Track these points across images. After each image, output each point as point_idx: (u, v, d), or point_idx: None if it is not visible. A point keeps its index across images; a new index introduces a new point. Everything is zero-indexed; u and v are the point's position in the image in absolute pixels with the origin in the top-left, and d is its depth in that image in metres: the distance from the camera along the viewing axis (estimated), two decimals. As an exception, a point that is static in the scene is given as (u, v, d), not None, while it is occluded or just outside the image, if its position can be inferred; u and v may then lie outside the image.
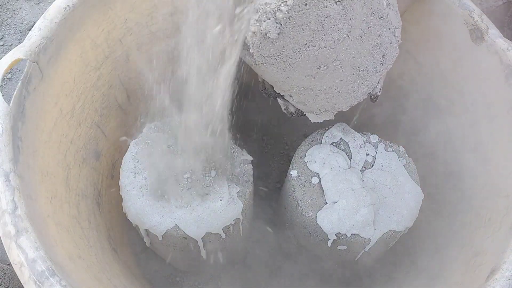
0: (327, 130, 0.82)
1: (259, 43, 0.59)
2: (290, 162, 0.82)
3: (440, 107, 0.86)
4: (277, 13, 0.55)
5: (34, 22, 1.17)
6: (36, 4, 1.50)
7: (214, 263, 0.87)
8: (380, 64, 0.65)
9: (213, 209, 0.72)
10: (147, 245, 0.80)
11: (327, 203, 0.75)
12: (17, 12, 1.47)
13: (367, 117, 0.98)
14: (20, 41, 1.41)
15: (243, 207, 0.74)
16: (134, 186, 0.74)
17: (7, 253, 0.53)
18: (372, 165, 0.79)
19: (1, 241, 0.53)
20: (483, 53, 0.73)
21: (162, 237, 0.73)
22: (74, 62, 0.74)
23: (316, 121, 0.73)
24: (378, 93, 0.69)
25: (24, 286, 0.51)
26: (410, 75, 0.89)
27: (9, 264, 0.95)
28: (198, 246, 0.75)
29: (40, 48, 0.65)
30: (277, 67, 0.61)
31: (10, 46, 1.41)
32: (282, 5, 0.55)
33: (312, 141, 0.82)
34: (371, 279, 0.93)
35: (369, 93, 0.69)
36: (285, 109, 0.72)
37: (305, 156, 0.79)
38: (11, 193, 0.54)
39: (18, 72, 1.37)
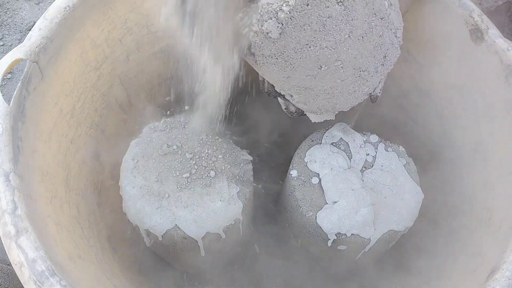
0: (327, 130, 0.82)
1: (260, 42, 0.59)
2: (290, 162, 0.82)
3: (440, 107, 0.86)
4: (278, 13, 0.55)
5: (34, 22, 1.17)
6: (36, 4, 1.50)
7: (214, 263, 0.87)
8: (381, 64, 0.65)
9: (213, 209, 0.72)
10: (147, 245, 0.80)
11: (327, 203, 0.75)
12: (17, 12, 1.47)
13: (367, 117, 0.98)
14: (20, 41, 1.41)
15: (243, 207, 0.74)
16: (134, 186, 0.74)
17: (7, 253, 0.53)
18: (372, 165, 0.79)
19: (1, 241, 0.53)
20: (483, 53, 0.73)
21: (162, 237, 0.73)
22: (74, 62, 0.74)
23: (316, 121, 0.73)
24: (378, 94, 0.69)
25: (24, 286, 0.51)
26: (410, 75, 0.89)
27: (9, 264, 0.95)
28: (198, 246, 0.75)
29: (40, 48, 0.65)
30: (278, 67, 0.61)
31: (10, 46, 1.41)
32: (284, 5, 0.55)
33: (312, 141, 0.82)
34: (371, 279, 0.93)
35: (369, 94, 0.69)
36: (285, 109, 0.72)
37: (305, 156, 0.79)
38: (11, 193, 0.54)
39: (18, 72, 1.37)
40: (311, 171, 0.78)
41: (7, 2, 1.48)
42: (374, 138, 0.82)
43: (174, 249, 0.77)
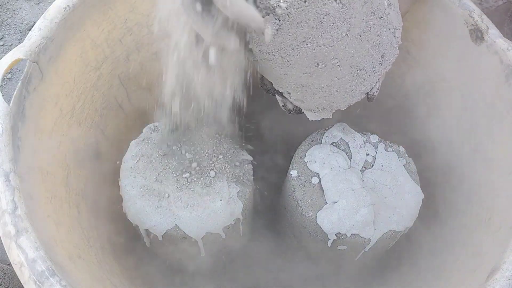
0: (327, 130, 0.82)
1: (257, 38, 0.59)
2: (290, 162, 0.82)
3: (440, 107, 0.86)
4: (276, 9, 0.55)
5: (34, 22, 1.17)
6: (36, 4, 1.50)
7: (214, 263, 0.87)
8: (379, 64, 0.65)
9: (213, 209, 0.72)
10: (147, 245, 0.80)
11: (327, 203, 0.75)
12: (17, 12, 1.47)
13: (367, 117, 0.98)
14: (20, 41, 1.41)
15: (243, 207, 0.74)
16: (134, 186, 0.74)
17: (7, 253, 0.53)
18: (372, 165, 0.79)
19: (1, 241, 0.53)
20: (483, 53, 0.72)
21: (162, 237, 0.73)
22: (74, 62, 0.74)
23: (314, 119, 0.72)
24: (375, 93, 0.69)
25: (24, 286, 0.51)
26: (410, 75, 0.89)
27: (9, 264, 0.95)
28: (198, 246, 0.75)
29: (40, 48, 0.65)
30: (275, 64, 0.61)
31: (10, 46, 1.41)
32: (281, 1, 0.55)
33: (312, 141, 0.82)
34: (371, 279, 0.93)
35: (367, 93, 0.69)
36: (283, 106, 0.72)
37: (305, 156, 0.79)
38: (11, 193, 0.54)
39: (18, 72, 1.37)
40: (311, 171, 0.78)
41: (7, 2, 1.48)
42: (374, 138, 0.82)
43: (174, 249, 0.77)
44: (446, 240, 0.81)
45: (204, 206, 0.73)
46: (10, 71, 1.34)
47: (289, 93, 0.67)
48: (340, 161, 0.78)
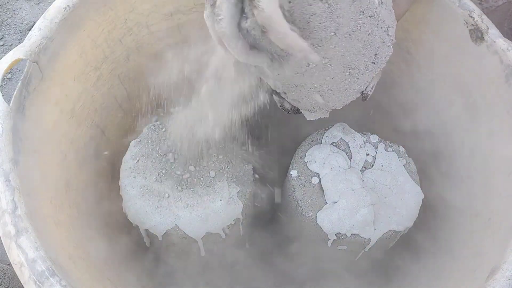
0: (327, 130, 0.82)
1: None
2: (290, 162, 0.82)
3: (440, 107, 0.86)
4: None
5: (34, 22, 1.17)
6: (36, 4, 1.50)
7: (214, 263, 0.87)
8: (372, 63, 0.65)
9: (213, 209, 0.72)
10: (147, 245, 0.80)
11: (327, 203, 0.75)
12: (17, 12, 1.47)
13: (367, 117, 0.98)
14: (20, 41, 1.41)
15: (243, 207, 0.74)
16: (134, 186, 0.74)
17: (7, 253, 0.53)
18: (372, 165, 0.79)
19: (1, 241, 0.53)
20: (483, 53, 0.72)
21: (162, 237, 0.73)
22: (74, 62, 0.74)
23: (311, 119, 0.72)
24: (369, 92, 0.69)
25: (24, 286, 0.51)
26: (410, 75, 0.89)
27: (9, 264, 0.95)
28: (198, 246, 0.75)
29: (40, 48, 0.65)
30: (267, 64, 0.61)
31: (10, 46, 1.41)
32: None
33: (312, 141, 0.82)
34: (370, 279, 0.93)
35: (361, 92, 0.68)
36: (280, 106, 0.72)
37: (305, 156, 0.80)
38: (11, 193, 0.54)
39: (18, 72, 1.37)
40: (311, 171, 0.78)
41: (7, 2, 1.48)
42: (374, 138, 0.82)
43: (174, 249, 0.77)
44: (446, 240, 0.81)
45: (204, 206, 0.73)
46: (10, 71, 1.34)
47: (285, 93, 0.67)
48: (340, 161, 0.78)
